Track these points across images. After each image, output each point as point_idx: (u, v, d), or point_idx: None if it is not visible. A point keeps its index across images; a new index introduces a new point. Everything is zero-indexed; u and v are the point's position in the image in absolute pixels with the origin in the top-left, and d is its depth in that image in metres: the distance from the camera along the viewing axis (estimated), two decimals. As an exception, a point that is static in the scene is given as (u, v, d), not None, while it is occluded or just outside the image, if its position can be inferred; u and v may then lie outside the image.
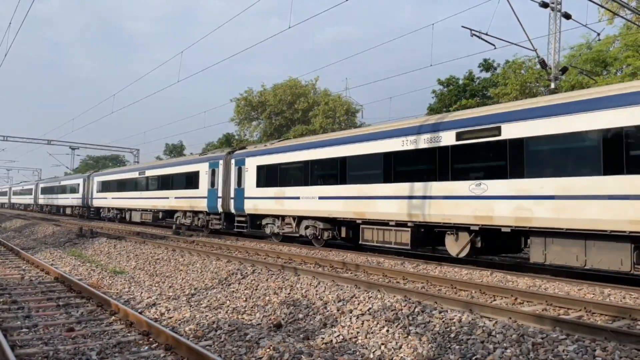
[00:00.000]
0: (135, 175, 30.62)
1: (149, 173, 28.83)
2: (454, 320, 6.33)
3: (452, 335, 5.95)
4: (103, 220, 35.97)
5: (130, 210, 31.35)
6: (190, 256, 13.51)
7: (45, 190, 52.16)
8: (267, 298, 8.58)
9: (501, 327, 5.92)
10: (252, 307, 8.34)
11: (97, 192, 36.87)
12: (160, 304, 8.24)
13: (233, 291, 9.40)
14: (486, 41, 15.70)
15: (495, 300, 8.35)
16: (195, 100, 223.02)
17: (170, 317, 7.42)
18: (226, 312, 8.30)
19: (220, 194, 21.39)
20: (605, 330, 5.84)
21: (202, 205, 22.62)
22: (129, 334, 6.43)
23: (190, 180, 23.85)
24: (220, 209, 21.44)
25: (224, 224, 21.65)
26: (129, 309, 7.34)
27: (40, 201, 54.37)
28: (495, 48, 16.02)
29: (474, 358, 5.32)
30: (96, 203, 37.17)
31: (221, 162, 21.62)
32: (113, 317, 7.26)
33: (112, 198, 33.86)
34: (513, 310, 6.95)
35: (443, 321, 6.36)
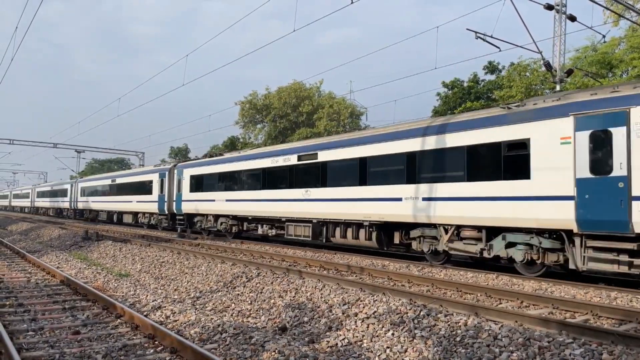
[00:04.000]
0: (108, 182, 36.11)
1: (118, 180, 34.21)
2: (459, 324, 6.31)
3: (458, 338, 5.93)
4: (86, 220, 40.51)
5: (104, 211, 36.88)
6: (195, 259, 13.54)
7: (41, 194, 57.62)
8: (272, 301, 8.58)
9: (507, 331, 5.90)
10: (257, 310, 8.35)
11: (80, 196, 42.48)
12: (165, 307, 8.25)
13: (238, 294, 9.41)
14: (491, 43, 15.66)
15: (501, 303, 8.31)
16: (200, 104, 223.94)
17: (176, 320, 7.43)
18: (231, 315, 8.32)
19: (166, 199, 26.46)
20: (612, 333, 5.81)
21: (155, 207, 27.74)
22: (134, 337, 6.45)
23: (146, 187, 28.99)
24: (166, 211, 26.51)
25: (170, 223, 26.81)
26: (135, 312, 7.37)
27: (36, 204, 59.36)
28: (500, 50, 15.94)
29: (479, 362, 5.30)
30: (80, 205, 42.67)
31: (167, 172, 26.67)
32: (118, 320, 7.28)
33: (92, 201, 39.51)
34: (519, 313, 6.91)
35: (448, 324, 6.34)
